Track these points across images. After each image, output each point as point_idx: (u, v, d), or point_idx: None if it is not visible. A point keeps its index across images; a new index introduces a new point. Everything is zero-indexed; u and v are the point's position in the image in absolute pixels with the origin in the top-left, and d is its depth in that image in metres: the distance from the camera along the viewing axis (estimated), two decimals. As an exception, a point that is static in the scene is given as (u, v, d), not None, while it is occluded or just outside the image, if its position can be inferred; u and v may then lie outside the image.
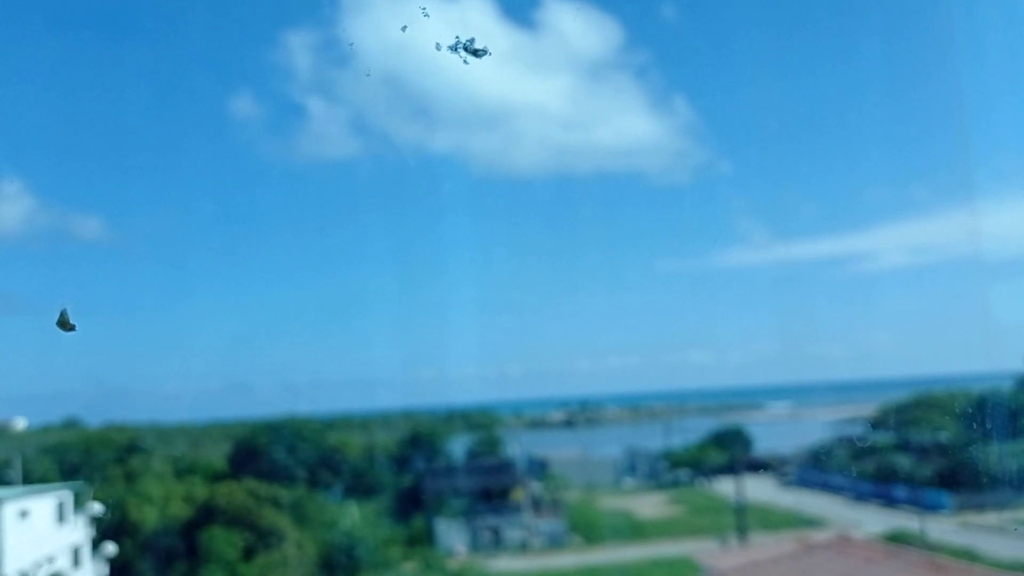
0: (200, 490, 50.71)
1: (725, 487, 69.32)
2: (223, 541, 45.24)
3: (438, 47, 4.40)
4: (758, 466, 79.83)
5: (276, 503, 48.02)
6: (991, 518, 54.43)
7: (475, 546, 56.80)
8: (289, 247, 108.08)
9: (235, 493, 47.77)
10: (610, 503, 70.46)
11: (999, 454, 56.86)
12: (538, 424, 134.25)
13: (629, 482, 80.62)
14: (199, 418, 75.40)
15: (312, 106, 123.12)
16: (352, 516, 53.40)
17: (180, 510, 49.02)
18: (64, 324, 4.73)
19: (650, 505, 68.75)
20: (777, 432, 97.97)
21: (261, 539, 46.08)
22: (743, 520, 55.21)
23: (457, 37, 4.39)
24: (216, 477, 54.32)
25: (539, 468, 70.60)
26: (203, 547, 45.31)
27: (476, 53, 4.42)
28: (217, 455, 60.92)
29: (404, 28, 4.60)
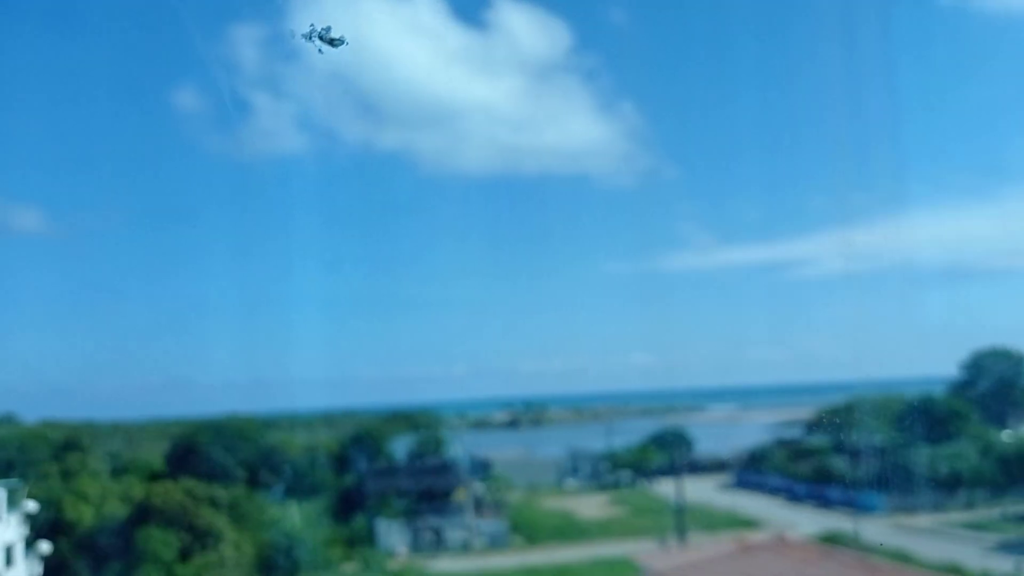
0: (137, 489, 49.86)
1: (666, 488, 69.97)
2: (159, 541, 44.52)
3: (292, 34, 4.29)
4: (698, 467, 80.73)
5: (214, 503, 47.37)
6: (923, 520, 55.73)
7: (416, 546, 56.60)
8: (231, 243, 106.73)
9: (172, 492, 47.03)
10: (552, 504, 70.70)
11: (931, 457, 58.49)
12: (482, 424, 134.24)
13: (571, 483, 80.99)
14: (137, 416, 74.18)
15: (258, 101, 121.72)
16: (292, 516, 52.87)
17: (116, 509, 48.17)
18: None
19: (591, 506, 69.12)
20: (717, 434, 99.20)
21: (198, 539, 45.44)
22: (682, 521, 55.76)
23: (312, 25, 4.28)
24: (153, 476, 53.46)
25: (482, 468, 70.61)
26: (139, 547, 44.56)
27: (332, 43, 4.34)
28: (155, 453, 59.98)
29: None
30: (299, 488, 59.49)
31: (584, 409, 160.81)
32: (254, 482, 56.44)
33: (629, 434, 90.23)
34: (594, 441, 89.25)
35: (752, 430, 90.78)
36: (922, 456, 57.70)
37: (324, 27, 4.29)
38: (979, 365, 63.02)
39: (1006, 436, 56.26)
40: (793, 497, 67.83)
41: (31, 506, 46.47)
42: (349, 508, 58.37)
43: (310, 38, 4.31)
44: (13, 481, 46.91)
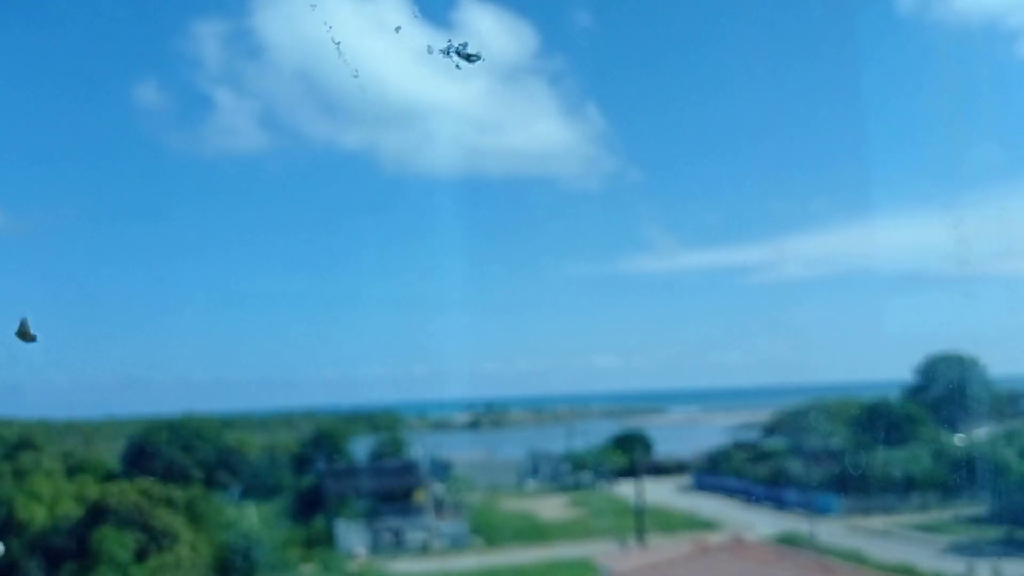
0: (92, 489, 49.14)
1: (626, 490, 70.31)
2: (114, 542, 43.94)
3: (430, 50, 4.37)
4: (658, 469, 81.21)
5: (170, 503, 46.84)
6: (877, 522, 56.50)
7: (376, 548, 56.38)
8: (191, 240, 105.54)
9: (128, 492, 46.44)
10: (512, 505, 70.74)
11: (886, 460, 59.34)
12: (442, 425, 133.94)
13: (532, 484, 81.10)
14: (92, 414, 73.09)
15: (220, 98, 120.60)
16: (250, 517, 52.42)
17: (71, 509, 47.44)
18: (24, 335, 4.55)
19: (552, 507, 69.26)
20: (677, 436, 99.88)
21: (154, 540, 44.91)
22: (642, 522, 56.07)
23: (449, 41, 4.37)
24: (109, 476, 52.76)
25: (442, 469, 70.46)
26: (94, 548, 43.94)
27: (469, 58, 4.42)
28: (110, 453, 59.24)
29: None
30: (257, 489, 59.04)
31: (545, 411, 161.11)
32: (211, 482, 55.91)
33: (590, 436, 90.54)
34: (555, 443, 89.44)
35: (712, 432, 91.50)
36: (877, 459, 58.52)
37: (461, 43, 4.39)
38: (933, 370, 64.04)
39: (958, 440, 57.19)
40: (751, 499, 68.40)
41: (-18, 507, 45.77)
42: (308, 509, 58.00)
43: (447, 53, 4.40)
44: (-36, 481, 46.22)
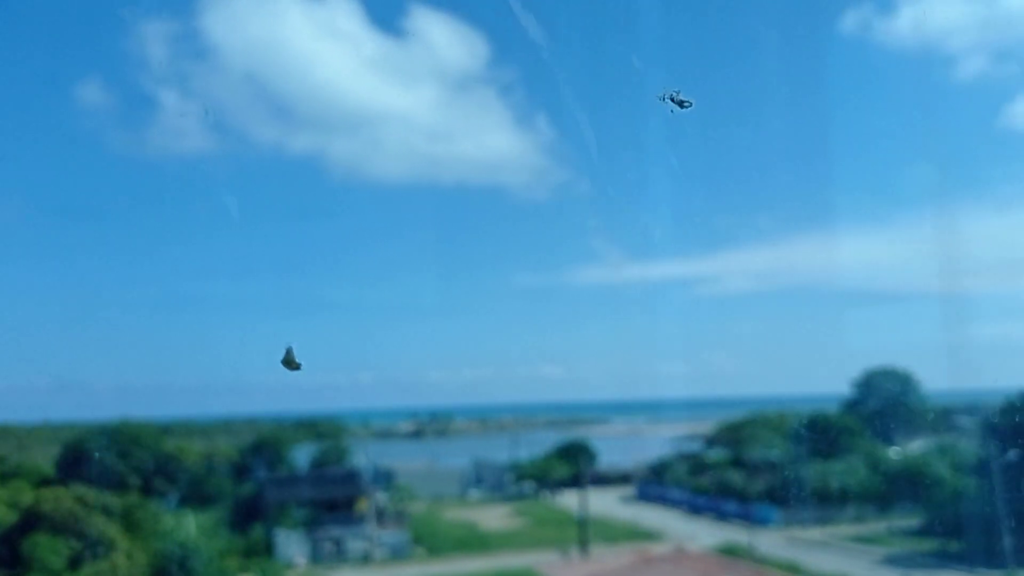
0: (25, 495, 47.97)
1: (569, 500, 70.49)
2: (48, 549, 42.96)
3: (662, 99, 4.83)
4: (602, 480, 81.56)
5: (106, 510, 45.93)
6: (814, 533, 57.36)
7: (316, 557, 55.78)
8: (133, 242, 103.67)
9: (63, 499, 45.43)
10: (455, 514, 70.53)
11: (823, 472, 60.35)
12: (386, 434, 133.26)
13: (475, 494, 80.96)
14: (26, 418, 71.36)
15: (165, 99, 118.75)
16: (187, 525, 51.56)
17: (2, 515, 46.28)
18: (289, 363, 4.70)
19: (495, 517, 69.19)
20: (621, 447, 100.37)
21: (89, 548, 44.00)
22: (585, 533, 56.26)
23: (665, 90, 4.85)
24: (43, 482, 51.53)
25: (385, 478, 69.99)
26: (26, 554, 42.92)
27: (681, 104, 4.91)
28: (45, 458, 57.91)
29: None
30: (195, 497, 58.16)
31: (490, 420, 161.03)
32: (149, 490, 55.00)
33: (534, 446, 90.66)
34: (499, 452, 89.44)
35: (655, 443, 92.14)
36: (815, 471, 59.44)
37: (676, 90, 4.97)
38: (870, 383, 65.27)
39: (893, 453, 58.37)
40: (692, 510, 69.05)
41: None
42: (247, 518, 57.21)
43: (663, 99, 5.00)
44: None
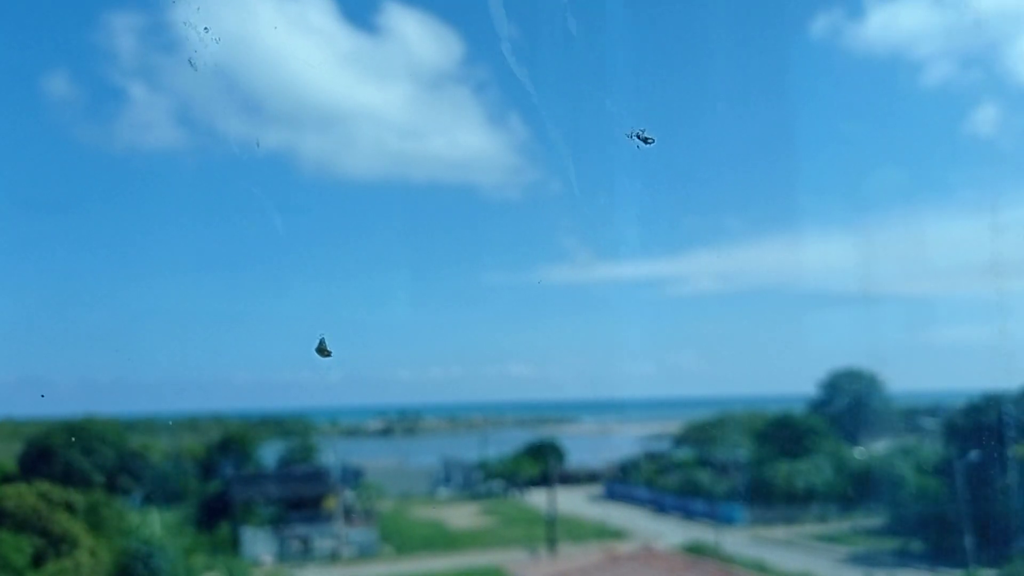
0: (-15, 492, 47.39)
1: (537, 499, 70.67)
2: (10, 546, 42.38)
3: (630, 135, 5.11)
4: (570, 479, 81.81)
5: (70, 508, 45.42)
6: (780, 532, 57.92)
7: (283, 555, 55.52)
8: (98, 236, 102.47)
9: (25, 496, 44.87)
10: (423, 513, 70.46)
11: (788, 472, 60.91)
12: (355, 432, 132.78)
13: (443, 492, 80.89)
14: (-13, 416, 70.35)
15: (134, 92, 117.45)
16: (152, 523, 51.13)
17: (-38, 513, 45.66)
18: (322, 351, 4.83)
19: (463, 515, 69.19)
20: (589, 446, 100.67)
21: (52, 545, 43.48)
22: (553, 531, 56.41)
23: (633, 128, 5.23)
24: (5, 478, 50.89)
25: (353, 477, 69.76)
26: (-14, 553, 42.37)
27: (646, 141, 5.24)
28: (6, 455, 57.21)
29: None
30: (161, 494, 57.66)
31: (459, 419, 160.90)
32: (113, 487, 54.39)
33: (503, 444, 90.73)
34: (468, 451, 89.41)
35: (623, 442, 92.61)
36: (780, 470, 60.03)
37: (641, 129, 5.24)
38: (835, 384, 66.02)
39: (858, 453, 59.09)
40: (660, 509, 69.43)
41: None
42: (213, 515, 56.81)
43: (630, 137, 5.35)
44: None
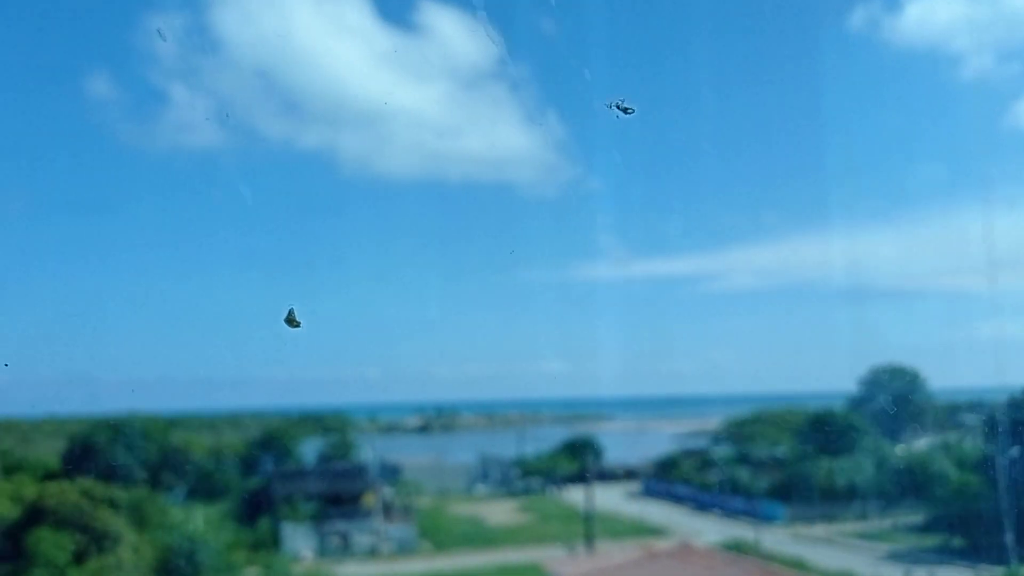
0: (29, 489, 48.06)
1: (575, 495, 70.55)
2: (52, 543, 43.05)
3: (609, 106, 5.10)
4: (607, 475, 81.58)
5: (113, 504, 46.03)
6: (820, 529, 57.37)
7: (323, 551, 55.96)
8: (141, 236, 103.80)
9: (68, 493, 45.53)
10: (461, 509, 70.64)
11: (829, 469, 60.26)
12: (393, 429, 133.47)
13: (481, 489, 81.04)
14: (31, 412, 71.49)
15: (174, 93, 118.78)
16: (194, 519, 51.73)
17: (6, 510, 46.37)
18: (291, 322, 4.92)
19: (501, 512, 69.27)
20: (627, 443, 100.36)
21: (95, 542, 44.10)
22: (591, 528, 56.30)
23: (611, 98, 5.10)
24: (48, 475, 51.61)
25: (392, 473, 70.12)
26: (30, 549, 43.02)
27: (626, 111, 5.13)
28: (50, 452, 57.98)
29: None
30: (203, 490, 58.25)
31: (496, 415, 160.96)
32: (156, 483, 55.05)
33: (540, 441, 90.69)
34: (505, 447, 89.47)
35: (661, 440, 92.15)
36: (820, 468, 59.43)
37: (620, 98, 5.22)
38: (876, 381, 65.15)
39: (899, 450, 58.38)
40: (699, 506, 69.05)
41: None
42: (254, 511, 57.37)
43: (610, 107, 5.25)
44: None
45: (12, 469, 52.63)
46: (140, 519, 47.19)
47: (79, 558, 43.53)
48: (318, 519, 57.28)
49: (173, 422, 66.23)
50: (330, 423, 77.89)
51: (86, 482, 47.30)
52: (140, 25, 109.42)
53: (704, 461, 73.94)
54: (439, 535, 59.91)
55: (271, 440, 66.79)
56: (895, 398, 63.11)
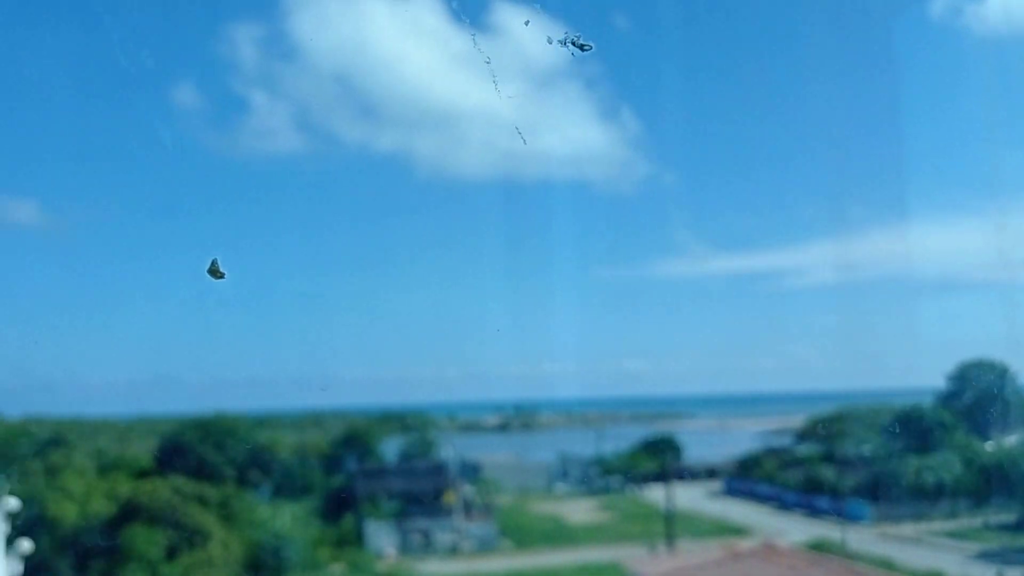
0: (123, 487, 49.71)
1: (655, 494, 70.09)
2: (145, 539, 44.43)
3: (549, 41, 4.89)
4: (688, 474, 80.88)
5: (202, 501, 47.33)
6: (908, 529, 56.02)
7: (405, 548, 56.64)
8: (226, 240, 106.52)
9: (160, 490, 46.97)
10: (541, 508, 70.77)
11: (917, 467, 58.75)
12: (472, 427, 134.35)
13: (561, 487, 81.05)
14: (125, 412, 73.98)
15: (255, 100, 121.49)
16: (280, 516, 52.87)
17: (102, 507, 48.01)
18: (215, 272, 5.07)
19: (581, 511, 69.21)
20: (707, 441, 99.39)
21: (185, 538, 45.38)
22: (672, 527, 55.90)
23: (566, 32, 4.88)
24: (141, 473, 53.28)
25: (471, 471, 70.62)
26: (124, 545, 44.46)
27: (582, 48, 4.94)
28: (143, 451, 59.79)
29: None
30: (288, 488, 59.45)
31: (575, 414, 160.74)
32: (243, 481, 56.36)
33: (619, 440, 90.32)
34: (584, 446, 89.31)
35: (742, 438, 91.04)
36: (908, 466, 58.01)
37: (577, 35, 5.09)
38: (965, 376, 63.35)
39: (989, 447, 56.68)
40: (782, 505, 68.07)
41: (13, 503, 46.28)
42: (338, 509, 58.35)
43: (564, 43, 5.04)
44: (-6, 478, 46.90)
45: (108, 468, 54.49)
46: (228, 516, 48.38)
47: (171, 553, 44.81)
48: (400, 517, 57.98)
49: (259, 422, 67.85)
50: (410, 422, 78.83)
51: (177, 480, 48.74)
52: (223, 35, 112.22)
53: (787, 460, 72.81)
54: (520, 533, 60.13)
55: (353, 439, 67.84)
56: (985, 394, 61.21)
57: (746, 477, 75.27)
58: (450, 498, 60.07)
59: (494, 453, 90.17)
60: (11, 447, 54.17)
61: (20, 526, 46.39)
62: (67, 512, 46.77)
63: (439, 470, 64.94)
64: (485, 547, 57.84)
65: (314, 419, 75.81)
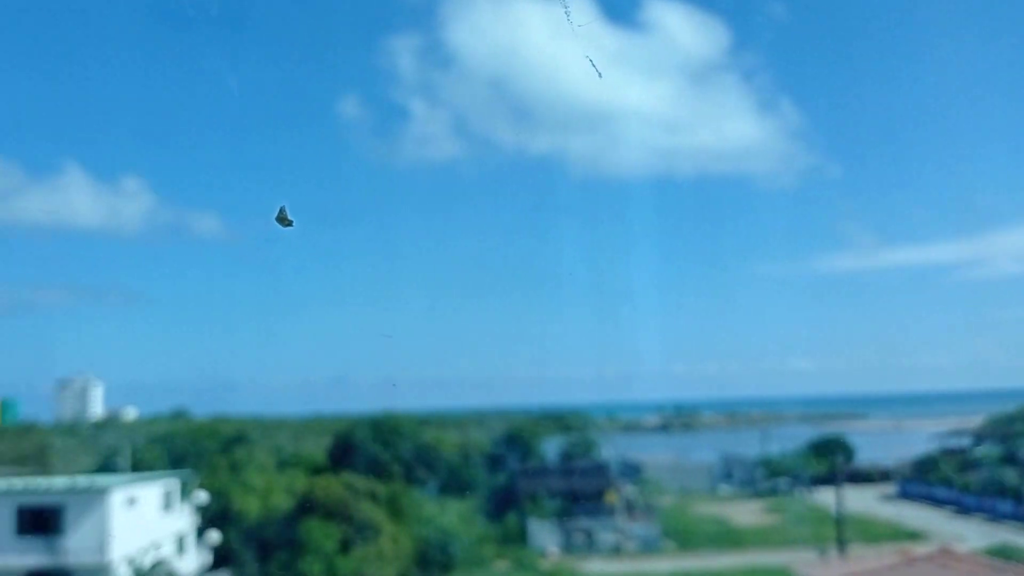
0: (300, 482, 52.14)
1: (824, 497, 67.98)
2: (321, 533, 46.39)
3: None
4: (859, 477, 78.13)
5: (373, 497, 49.02)
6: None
7: (567, 547, 57.02)
8: (392, 247, 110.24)
9: (334, 486, 48.92)
10: (705, 509, 69.79)
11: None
12: (632, 427, 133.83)
13: (725, 489, 79.72)
14: (302, 411, 77.61)
15: (415, 108, 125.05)
16: (447, 513, 54.23)
17: (281, 501, 50.50)
18: (283, 220, 5.41)
19: (746, 513, 67.87)
20: (880, 442, 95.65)
21: (358, 532, 47.09)
22: (843, 531, 54.11)
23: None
24: (316, 470, 55.71)
25: (633, 472, 70.42)
26: (302, 538, 46.54)
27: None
28: (318, 448, 62.42)
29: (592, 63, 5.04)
30: (453, 485, 60.88)
31: (737, 414, 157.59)
32: (410, 478, 58.06)
33: (785, 441, 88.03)
34: (748, 447, 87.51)
35: (917, 439, 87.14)
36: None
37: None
38: None
39: None
40: (961, 509, 64.89)
41: (202, 497, 49.45)
42: (501, 507, 59.35)
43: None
44: (185, 473, 50.14)
45: (286, 464, 57.35)
46: (397, 512, 49.96)
47: (345, 547, 46.64)
48: (562, 516, 58.40)
49: (424, 420, 69.79)
50: (571, 422, 79.36)
51: (349, 476, 50.70)
52: (382, 47, 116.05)
53: (966, 461, 69.30)
54: (683, 535, 59.51)
55: (515, 438, 68.85)
56: None
57: (922, 480, 72.12)
58: (612, 498, 60.08)
59: (655, 453, 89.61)
60: (199, 445, 57.81)
61: (208, 519, 49.74)
62: (250, 506, 49.50)
63: (600, 470, 65.05)
64: (648, 548, 57.54)
65: (476, 418, 77.36)
